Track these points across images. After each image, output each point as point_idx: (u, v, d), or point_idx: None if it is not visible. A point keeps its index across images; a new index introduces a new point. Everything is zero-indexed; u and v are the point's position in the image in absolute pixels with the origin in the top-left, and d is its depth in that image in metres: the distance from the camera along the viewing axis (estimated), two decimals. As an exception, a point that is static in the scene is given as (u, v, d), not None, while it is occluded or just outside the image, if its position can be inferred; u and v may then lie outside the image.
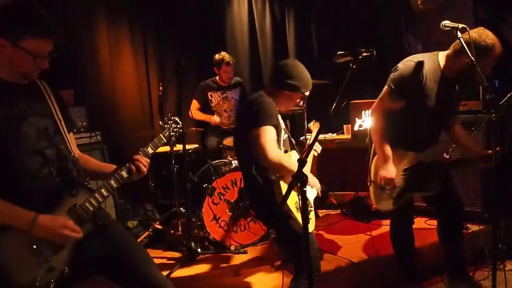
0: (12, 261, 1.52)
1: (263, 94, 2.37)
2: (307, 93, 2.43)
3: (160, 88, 3.85)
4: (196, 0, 4.91)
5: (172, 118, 2.01)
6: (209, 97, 4.44)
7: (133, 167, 1.81)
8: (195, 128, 4.07)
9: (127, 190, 4.04)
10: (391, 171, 2.34)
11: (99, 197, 1.74)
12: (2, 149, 1.59)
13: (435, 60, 2.36)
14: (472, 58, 1.96)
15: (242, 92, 4.53)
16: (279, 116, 2.37)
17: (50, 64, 1.72)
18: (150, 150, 1.89)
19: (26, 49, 1.61)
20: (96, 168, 1.94)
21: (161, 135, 1.96)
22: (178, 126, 2.02)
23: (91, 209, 1.72)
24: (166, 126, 2.00)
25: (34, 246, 1.57)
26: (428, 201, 2.64)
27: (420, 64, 2.30)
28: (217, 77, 4.43)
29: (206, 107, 4.48)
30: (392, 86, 2.35)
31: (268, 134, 2.17)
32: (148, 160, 1.86)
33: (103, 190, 1.76)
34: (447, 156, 2.40)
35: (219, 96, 4.44)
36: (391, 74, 2.39)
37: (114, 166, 1.89)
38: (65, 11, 3.90)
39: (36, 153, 1.66)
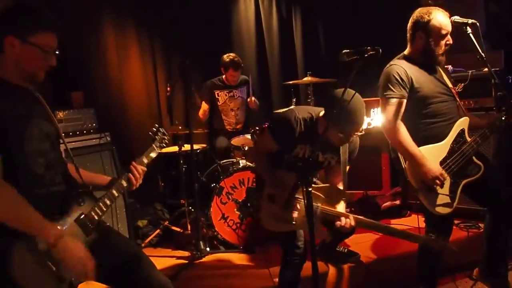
0: (24, 273, 1.48)
1: (304, 110, 2.42)
2: (342, 134, 2.20)
3: (168, 88, 3.86)
4: (203, 0, 4.91)
5: (160, 129, 2.06)
6: (216, 96, 4.40)
7: (132, 176, 1.86)
8: (202, 130, 4.07)
9: (137, 190, 4.05)
10: (434, 167, 2.28)
11: (103, 206, 1.75)
12: (8, 148, 1.54)
13: (404, 59, 2.47)
14: (482, 54, 1.93)
15: (249, 88, 4.50)
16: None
17: (58, 65, 1.72)
18: (145, 160, 1.95)
19: (36, 44, 1.61)
20: (88, 179, 1.91)
21: (153, 145, 2.01)
22: (166, 137, 2.08)
23: (96, 218, 1.72)
24: (156, 137, 2.04)
25: (44, 256, 1.54)
26: (475, 194, 2.53)
27: (399, 66, 2.40)
28: (223, 76, 4.38)
29: (213, 107, 4.45)
30: (389, 95, 2.36)
31: (264, 140, 2.47)
32: (144, 168, 1.91)
33: (106, 199, 1.77)
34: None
35: (226, 95, 4.40)
36: (383, 87, 2.41)
37: (105, 177, 1.92)
38: (72, 14, 3.91)
39: (39, 155, 1.64)
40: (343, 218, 2.18)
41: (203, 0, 4.90)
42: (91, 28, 4.09)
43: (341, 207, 2.28)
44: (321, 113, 2.31)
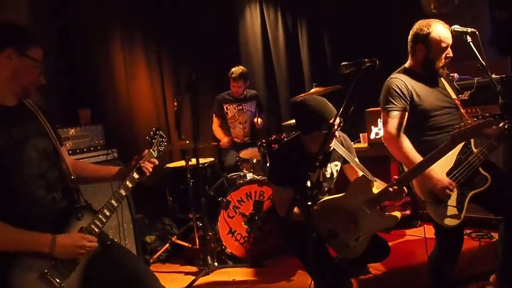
0: None
1: (284, 145, 2.57)
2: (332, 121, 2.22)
3: (175, 103, 3.89)
4: (209, 15, 4.96)
5: (158, 132, 2.02)
6: (225, 110, 4.45)
7: (144, 166, 1.88)
8: (211, 143, 4.09)
9: (145, 205, 4.08)
10: (442, 177, 2.23)
11: (102, 218, 1.76)
12: (4, 180, 1.56)
13: (404, 72, 2.45)
14: (483, 62, 1.91)
15: (258, 105, 4.53)
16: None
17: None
18: (155, 154, 1.97)
19: (32, 57, 1.66)
20: (94, 173, 1.95)
21: (150, 150, 1.96)
22: (164, 139, 2.04)
23: (97, 230, 1.73)
24: (153, 141, 1.99)
25: (46, 271, 1.57)
26: (488, 203, 2.45)
27: (399, 79, 2.39)
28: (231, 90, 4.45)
29: (223, 121, 4.52)
30: (390, 107, 2.36)
31: (278, 194, 2.44)
32: (155, 161, 1.95)
33: (105, 210, 1.78)
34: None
35: (235, 109, 4.46)
36: (383, 101, 2.40)
37: (113, 168, 1.94)
38: (81, 32, 3.99)
39: (39, 178, 1.66)
40: (390, 189, 2.17)
41: (209, 15, 4.96)
42: (99, 44, 4.15)
43: (376, 188, 2.28)
44: (298, 133, 2.43)
